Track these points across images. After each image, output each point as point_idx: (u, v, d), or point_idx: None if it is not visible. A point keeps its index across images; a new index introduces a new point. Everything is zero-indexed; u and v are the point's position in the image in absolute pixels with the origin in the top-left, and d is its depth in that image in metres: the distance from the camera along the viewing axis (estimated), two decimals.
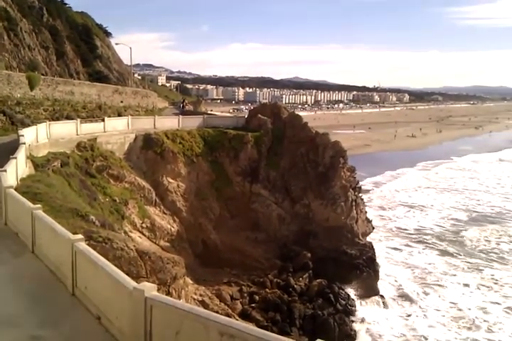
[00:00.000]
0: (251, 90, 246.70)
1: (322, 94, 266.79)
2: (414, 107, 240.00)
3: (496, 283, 28.12)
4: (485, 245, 35.21)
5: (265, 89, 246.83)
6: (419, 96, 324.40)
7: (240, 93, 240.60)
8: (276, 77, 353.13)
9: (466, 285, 27.78)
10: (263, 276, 23.50)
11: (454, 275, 29.25)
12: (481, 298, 26.02)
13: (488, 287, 27.57)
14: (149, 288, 5.15)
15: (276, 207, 26.54)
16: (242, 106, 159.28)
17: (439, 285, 27.45)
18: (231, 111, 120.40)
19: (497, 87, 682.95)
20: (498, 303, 25.33)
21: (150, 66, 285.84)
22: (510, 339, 21.76)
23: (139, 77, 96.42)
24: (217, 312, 16.59)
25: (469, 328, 22.70)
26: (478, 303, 25.28)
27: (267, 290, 22.51)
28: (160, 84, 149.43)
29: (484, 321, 23.27)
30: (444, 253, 33.39)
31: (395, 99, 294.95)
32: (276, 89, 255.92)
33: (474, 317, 23.57)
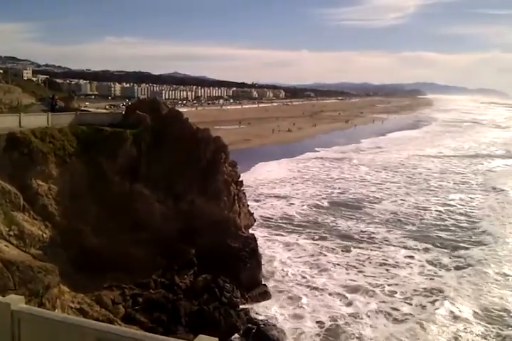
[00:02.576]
0: (128, 85, 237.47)
1: (202, 89, 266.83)
2: (289, 103, 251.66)
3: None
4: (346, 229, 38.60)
5: (143, 84, 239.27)
6: (293, 93, 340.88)
7: (117, 88, 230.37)
8: (155, 72, 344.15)
9: (338, 264, 30.35)
10: (147, 277, 22.98)
11: (325, 255, 31.76)
12: (355, 277, 28.60)
13: (356, 267, 30.38)
14: (16, 301, 4.78)
15: (159, 205, 26.05)
16: (120, 102, 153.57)
17: (320, 269, 29.56)
18: (107, 107, 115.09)
19: (361, 84, 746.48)
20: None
21: (13, 59, 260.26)
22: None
23: (0, 71, 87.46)
24: (97, 319, 15.86)
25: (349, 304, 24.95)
26: (353, 282, 27.77)
27: (151, 290, 22.08)
28: (26, 78, 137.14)
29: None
30: (311, 237, 36.00)
31: (272, 95, 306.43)
32: (155, 85, 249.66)
33: (352, 296, 25.78)
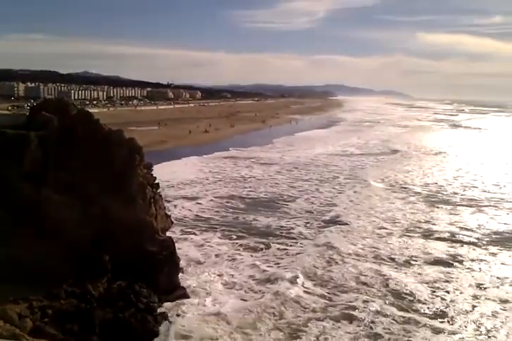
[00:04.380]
0: (33, 85, 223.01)
1: (115, 89, 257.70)
2: (206, 104, 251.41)
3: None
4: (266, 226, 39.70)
5: (50, 84, 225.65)
6: (210, 93, 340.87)
7: (21, 88, 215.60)
8: (63, 71, 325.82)
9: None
10: (57, 287, 21.72)
11: (240, 254, 32.43)
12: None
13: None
14: None
15: (69, 210, 24.75)
16: (24, 103, 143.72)
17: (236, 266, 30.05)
18: (10, 108, 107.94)
19: (276, 86, 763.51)
20: None
21: None
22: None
23: None
24: (0, 335, 14.81)
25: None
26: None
27: (62, 301, 20.91)
28: None
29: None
30: (227, 236, 36.49)
31: (188, 95, 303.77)
32: (63, 85, 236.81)
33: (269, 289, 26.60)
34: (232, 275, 28.53)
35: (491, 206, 46.39)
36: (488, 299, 24.14)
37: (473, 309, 22.34)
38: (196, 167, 65.28)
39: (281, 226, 38.99)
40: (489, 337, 19.11)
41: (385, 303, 23.75)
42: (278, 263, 30.88)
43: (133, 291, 22.64)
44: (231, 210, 43.74)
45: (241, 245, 34.16)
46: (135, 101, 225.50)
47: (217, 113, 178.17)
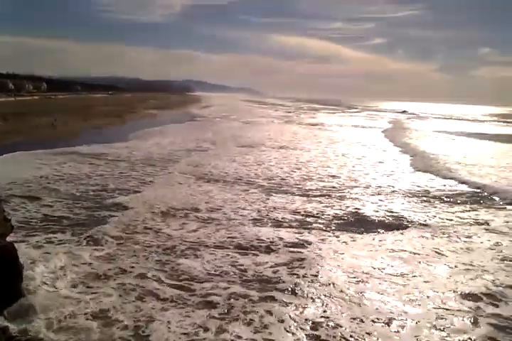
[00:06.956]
0: None
1: None
2: (53, 96, 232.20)
3: None
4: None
5: None
6: (58, 85, 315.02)
7: None
8: None
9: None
10: None
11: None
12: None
13: None
14: None
15: None
16: None
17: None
18: None
19: (133, 79, 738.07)
20: None
21: None
22: None
23: None
24: None
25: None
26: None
27: None
28: None
29: None
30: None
31: (31, 87, 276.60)
32: None
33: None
34: None
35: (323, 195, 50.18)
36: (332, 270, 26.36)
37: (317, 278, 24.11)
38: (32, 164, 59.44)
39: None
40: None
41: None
42: None
43: None
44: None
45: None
46: None
47: (67, 106, 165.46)
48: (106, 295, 15.23)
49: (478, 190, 32.98)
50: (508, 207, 28.53)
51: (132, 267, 17.62)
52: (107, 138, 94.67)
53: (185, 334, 12.41)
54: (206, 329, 12.59)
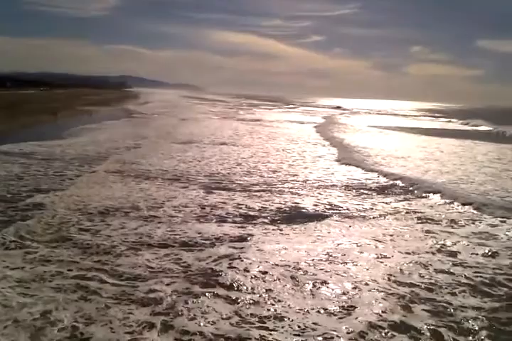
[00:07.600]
0: None
1: None
2: None
3: None
4: None
5: None
6: None
7: None
8: None
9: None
10: None
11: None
12: None
13: None
14: None
15: None
16: None
17: None
18: None
19: (66, 74, 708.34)
20: None
21: None
22: None
23: None
24: None
25: None
26: None
27: None
28: None
29: None
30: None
31: None
32: None
33: None
34: None
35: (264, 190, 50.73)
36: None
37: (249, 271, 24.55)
38: None
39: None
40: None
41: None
42: None
43: None
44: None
45: None
46: None
47: None
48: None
49: (398, 182, 35.03)
50: (425, 195, 30.61)
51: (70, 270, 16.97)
52: (40, 137, 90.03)
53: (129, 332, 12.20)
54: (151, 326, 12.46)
